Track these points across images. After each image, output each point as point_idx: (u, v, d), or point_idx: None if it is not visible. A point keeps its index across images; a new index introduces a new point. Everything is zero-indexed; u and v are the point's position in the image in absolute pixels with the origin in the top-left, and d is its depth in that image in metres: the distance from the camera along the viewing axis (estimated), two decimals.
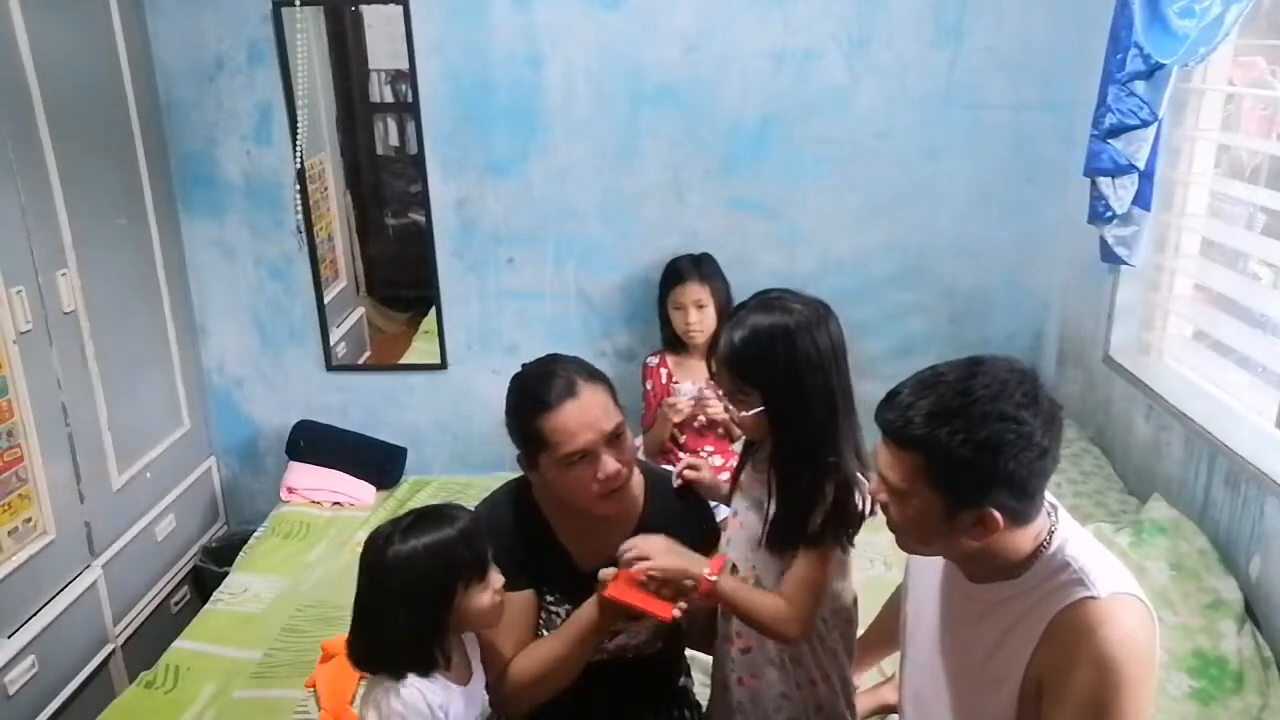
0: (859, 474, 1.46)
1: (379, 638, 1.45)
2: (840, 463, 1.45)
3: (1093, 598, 1.20)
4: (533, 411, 1.55)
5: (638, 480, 1.69)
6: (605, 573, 1.53)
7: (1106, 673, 1.17)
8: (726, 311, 2.82)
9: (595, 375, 1.61)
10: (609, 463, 1.54)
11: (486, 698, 1.58)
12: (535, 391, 1.56)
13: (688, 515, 1.71)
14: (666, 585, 1.48)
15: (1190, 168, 2.50)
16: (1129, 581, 1.25)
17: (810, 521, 1.44)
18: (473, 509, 1.67)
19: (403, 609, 1.43)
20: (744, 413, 1.48)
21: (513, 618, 1.61)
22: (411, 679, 1.43)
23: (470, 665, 1.56)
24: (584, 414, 1.53)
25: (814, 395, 1.43)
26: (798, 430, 1.44)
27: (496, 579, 1.50)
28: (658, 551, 1.51)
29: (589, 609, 1.56)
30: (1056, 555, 1.25)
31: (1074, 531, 1.29)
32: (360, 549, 1.50)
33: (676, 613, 1.47)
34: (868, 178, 2.97)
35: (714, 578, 1.48)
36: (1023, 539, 1.25)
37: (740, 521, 1.58)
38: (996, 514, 1.19)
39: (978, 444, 1.17)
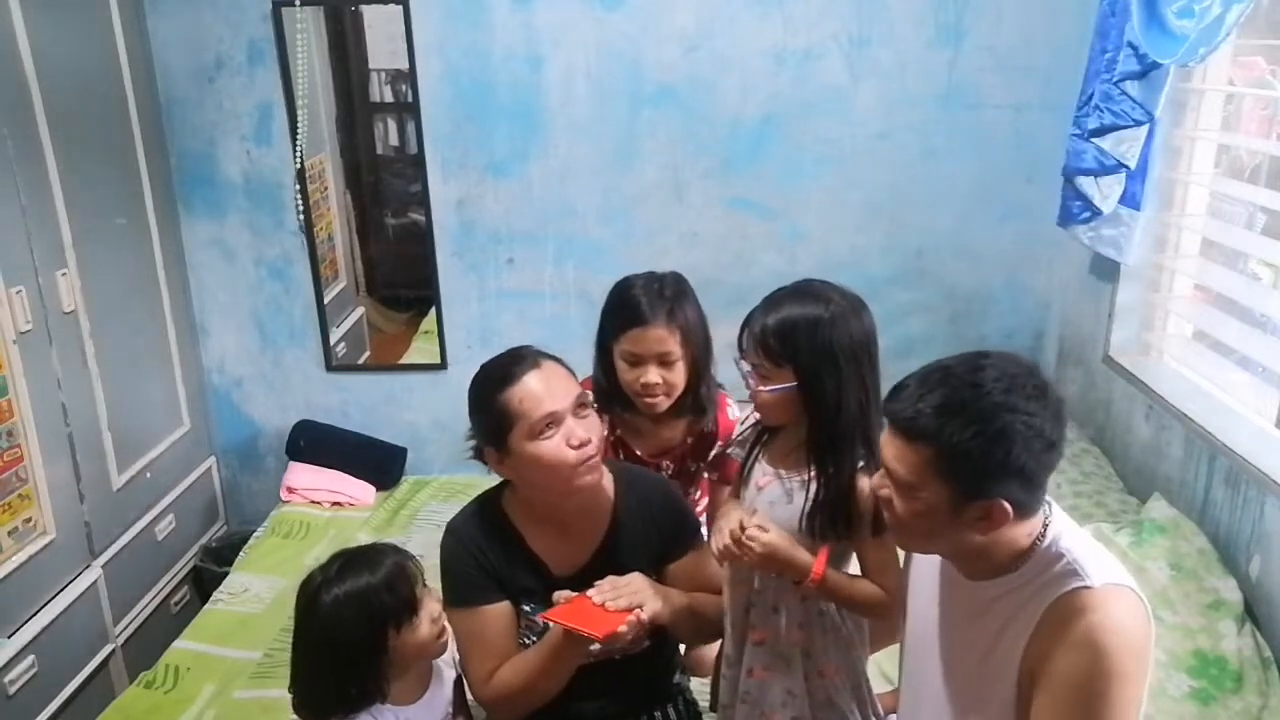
0: None
1: (318, 684, 1.46)
2: (875, 454, 1.47)
3: (1086, 587, 1.21)
4: (498, 389, 1.56)
5: (609, 480, 1.69)
6: (559, 595, 1.55)
7: (1096, 659, 1.17)
8: (703, 366, 1.99)
9: (555, 357, 1.63)
10: (577, 429, 1.55)
11: (449, 708, 1.58)
12: (497, 372, 1.60)
13: (664, 513, 1.72)
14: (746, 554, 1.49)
15: (1190, 168, 2.50)
16: (1124, 574, 1.25)
17: (852, 510, 1.48)
18: (447, 526, 1.69)
19: (333, 656, 1.43)
20: (764, 389, 1.51)
21: (493, 629, 1.62)
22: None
23: (427, 678, 1.56)
24: (549, 382, 1.57)
25: (849, 384, 1.48)
26: (838, 418, 1.48)
27: (433, 608, 1.50)
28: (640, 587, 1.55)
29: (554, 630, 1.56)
30: (1051, 548, 1.26)
31: (1068, 526, 1.30)
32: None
33: (623, 627, 1.47)
34: (868, 178, 2.97)
35: (819, 573, 1.49)
36: (1020, 533, 1.26)
37: (767, 513, 1.59)
38: (1006, 505, 1.20)
39: (990, 436, 1.17)
